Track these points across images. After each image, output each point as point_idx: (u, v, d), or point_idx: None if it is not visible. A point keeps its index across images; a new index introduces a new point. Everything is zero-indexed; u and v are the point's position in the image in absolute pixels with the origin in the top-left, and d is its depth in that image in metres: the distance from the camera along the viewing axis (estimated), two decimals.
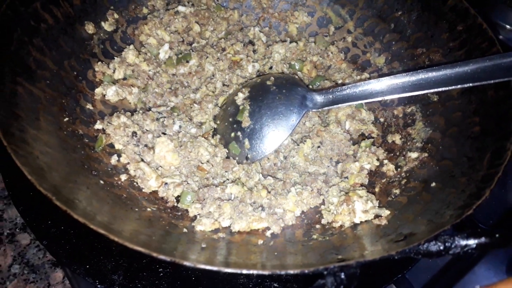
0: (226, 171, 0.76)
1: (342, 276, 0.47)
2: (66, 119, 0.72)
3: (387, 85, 0.74)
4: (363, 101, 0.76)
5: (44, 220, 0.72)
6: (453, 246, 0.50)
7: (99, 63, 0.84)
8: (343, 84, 0.88)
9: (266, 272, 0.47)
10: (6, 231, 0.95)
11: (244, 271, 0.47)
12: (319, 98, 0.78)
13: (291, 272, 0.47)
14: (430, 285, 0.84)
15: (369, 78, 0.90)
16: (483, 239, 0.49)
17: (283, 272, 0.47)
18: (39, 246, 0.94)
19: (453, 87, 0.69)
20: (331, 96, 0.78)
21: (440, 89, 0.70)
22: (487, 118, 0.69)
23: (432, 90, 0.70)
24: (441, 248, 0.51)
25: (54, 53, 0.76)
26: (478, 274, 0.85)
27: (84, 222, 0.49)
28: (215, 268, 0.49)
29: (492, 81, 0.67)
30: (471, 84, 0.68)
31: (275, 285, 0.67)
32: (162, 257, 0.49)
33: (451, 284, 0.84)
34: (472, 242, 0.50)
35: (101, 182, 0.66)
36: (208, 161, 0.76)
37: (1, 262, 0.91)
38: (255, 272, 0.48)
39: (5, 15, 0.68)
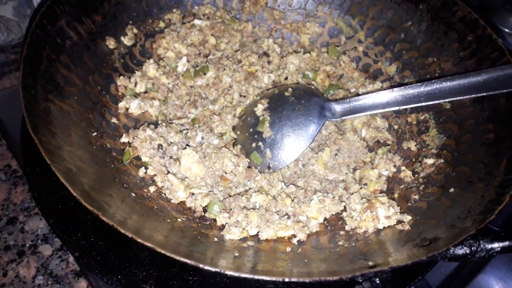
0: (248, 180, 0.79)
1: (377, 281, 0.50)
2: (94, 133, 0.75)
3: (402, 95, 0.77)
4: (380, 111, 0.79)
5: (74, 232, 0.74)
6: (479, 250, 0.53)
7: (121, 77, 0.86)
8: (357, 93, 0.91)
9: (307, 280, 0.50)
10: (28, 242, 0.97)
11: (286, 279, 0.50)
12: (337, 108, 0.81)
13: (330, 279, 0.50)
14: (445, 284, 0.87)
15: (382, 87, 0.93)
16: (507, 243, 0.52)
17: (322, 280, 0.50)
18: (62, 256, 0.96)
19: (467, 96, 0.73)
20: (348, 106, 0.81)
21: (454, 99, 0.73)
22: (501, 126, 0.72)
23: (446, 100, 0.74)
24: (467, 252, 0.54)
25: (79, 69, 0.79)
26: (490, 272, 0.87)
27: (134, 237, 0.51)
28: (254, 277, 0.51)
29: (504, 91, 0.71)
30: (484, 94, 0.72)
31: None
32: (192, 263, 0.52)
33: (465, 283, 0.87)
34: (496, 245, 0.53)
35: (133, 194, 0.69)
36: (231, 171, 0.78)
37: (25, 274, 0.93)
38: (294, 279, 0.51)
39: (34, 34, 0.71)
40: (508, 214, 0.95)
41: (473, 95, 0.73)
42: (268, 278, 0.52)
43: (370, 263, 0.56)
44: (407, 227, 0.67)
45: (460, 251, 0.54)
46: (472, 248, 0.53)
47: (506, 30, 1.31)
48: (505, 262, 0.88)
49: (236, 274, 0.53)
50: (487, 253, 0.53)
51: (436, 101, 0.75)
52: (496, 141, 0.71)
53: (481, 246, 0.53)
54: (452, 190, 0.70)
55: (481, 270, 0.88)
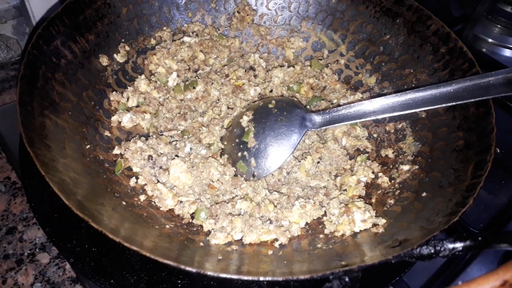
0: (234, 188, 0.83)
1: (347, 279, 0.54)
2: (88, 146, 0.79)
3: (379, 105, 0.81)
4: (358, 121, 0.83)
5: (69, 240, 0.78)
6: (442, 249, 0.57)
7: (114, 92, 0.91)
8: (338, 104, 0.96)
9: (280, 279, 0.54)
10: (26, 251, 1.01)
11: (261, 278, 0.54)
12: (317, 119, 0.86)
13: (302, 277, 0.54)
14: (426, 286, 0.90)
15: (362, 97, 0.98)
16: (468, 242, 0.56)
17: (294, 278, 0.54)
18: (58, 264, 1.00)
19: (438, 106, 0.77)
20: (328, 117, 0.85)
21: (426, 108, 0.78)
22: (469, 133, 0.76)
23: (419, 109, 0.78)
24: (432, 251, 0.58)
25: (74, 85, 0.83)
26: (471, 274, 0.91)
27: (123, 243, 0.55)
28: (234, 277, 0.56)
29: (472, 100, 0.75)
30: (454, 103, 0.76)
31: None
32: (182, 266, 0.56)
33: (446, 285, 0.90)
34: (458, 245, 0.57)
35: (124, 203, 0.73)
36: (218, 180, 0.83)
37: (24, 281, 0.97)
38: (269, 278, 0.55)
39: (31, 54, 0.75)
40: (491, 217, 0.99)
41: (444, 105, 0.77)
42: (245, 278, 0.56)
43: (343, 263, 0.61)
44: (381, 229, 0.71)
45: (425, 251, 0.58)
46: (436, 248, 0.57)
47: (489, 40, 1.35)
48: (486, 262, 0.92)
49: (222, 275, 0.57)
50: (450, 252, 0.57)
51: (410, 111, 0.79)
52: (465, 147, 0.75)
53: (444, 246, 0.57)
54: (424, 194, 0.75)
55: (462, 271, 0.92)
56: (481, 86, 0.76)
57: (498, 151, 1.05)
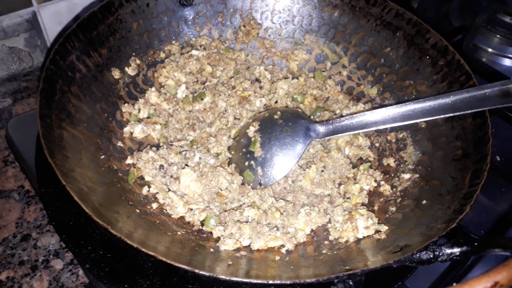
0: (242, 196, 0.87)
1: (351, 282, 0.57)
2: (102, 156, 0.83)
3: (380, 116, 0.85)
4: (360, 131, 0.87)
5: (85, 246, 0.81)
6: (440, 254, 0.61)
7: (126, 104, 0.95)
8: (341, 114, 1.00)
9: (287, 282, 0.58)
10: (40, 257, 1.04)
11: (270, 282, 0.57)
12: (321, 129, 0.89)
13: (308, 281, 0.57)
14: None
15: (364, 108, 1.01)
16: (464, 248, 0.60)
17: (301, 281, 0.57)
18: (72, 270, 1.03)
19: (437, 117, 0.80)
20: (331, 127, 0.89)
21: (426, 119, 0.81)
22: (467, 143, 0.80)
23: (418, 120, 0.82)
24: (431, 256, 0.61)
25: (88, 98, 0.87)
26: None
27: (139, 248, 0.58)
28: (244, 280, 0.59)
29: (470, 111, 0.79)
30: (452, 114, 0.80)
31: None
32: (196, 270, 0.59)
33: None
34: (456, 250, 0.60)
35: (137, 211, 0.77)
36: (226, 188, 0.86)
37: (39, 287, 1.00)
38: (277, 282, 0.58)
39: (49, 69, 0.79)
40: (492, 223, 1.02)
41: (443, 116, 0.80)
42: (255, 281, 0.59)
43: (347, 268, 0.64)
44: (383, 236, 0.75)
45: (424, 256, 0.61)
46: (435, 253, 0.61)
47: (489, 49, 1.38)
48: (488, 267, 0.94)
49: (233, 279, 0.60)
50: (448, 257, 0.60)
51: (410, 121, 0.83)
52: (463, 156, 0.79)
53: (443, 251, 0.60)
54: (424, 202, 0.78)
55: (464, 276, 0.94)
56: (477, 97, 0.79)
57: (498, 159, 1.07)
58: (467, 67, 0.87)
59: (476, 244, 0.58)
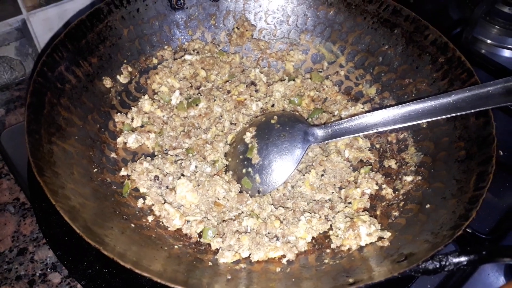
0: (240, 205, 0.84)
1: None
2: (95, 169, 0.81)
3: (380, 118, 0.82)
4: (359, 134, 0.84)
5: (81, 262, 0.79)
6: (447, 264, 0.58)
7: (118, 114, 0.92)
8: (340, 116, 0.97)
9: None
10: (38, 271, 1.02)
11: None
12: (319, 133, 0.87)
13: None
14: None
15: (363, 108, 0.98)
16: (472, 257, 0.57)
17: None
18: (70, 283, 1.01)
19: (439, 117, 0.78)
20: (330, 130, 0.86)
21: (427, 120, 0.79)
22: (470, 143, 0.77)
23: (420, 121, 0.79)
24: (437, 266, 0.59)
25: (79, 109, 0.85)
26: (478, 280, 0.91)
27: (132, 269, 0.56)
28: None
29: (472, 111, 0.76)
30: (454, 114, 0.77)
31: None
32: None
33: None
34: (463, 259, 0.58)
35: (132, 225, 0.74)
36: (224, 197, 0.84)
37: None
38: None
39: (36, 82, 0.77)
40: (496, 220, 0.99)
41: (444, 116, 0.78)
42: None
43: (350, 280, 0.62)
44: (386, 243, 0.72)
45: (430, 266, 0.59)
46: (442, 263, 0.58)
47: (488, 41, 1.36)
48: (492, 269, 0.92)
49: None
50: (455, 266, 0.58)
51: (411, 123, 0.80)
52: (467, 158, 0.76)
53: (449, 260, 0.58)
54: (428, 206, 0.75)
55: (469, 278, 0.92)
56: (480, 96, 0.77)
57: (502, 153, 1.05)
58: (468, 64, 0.85)
59: (484, 253, 0.56)
